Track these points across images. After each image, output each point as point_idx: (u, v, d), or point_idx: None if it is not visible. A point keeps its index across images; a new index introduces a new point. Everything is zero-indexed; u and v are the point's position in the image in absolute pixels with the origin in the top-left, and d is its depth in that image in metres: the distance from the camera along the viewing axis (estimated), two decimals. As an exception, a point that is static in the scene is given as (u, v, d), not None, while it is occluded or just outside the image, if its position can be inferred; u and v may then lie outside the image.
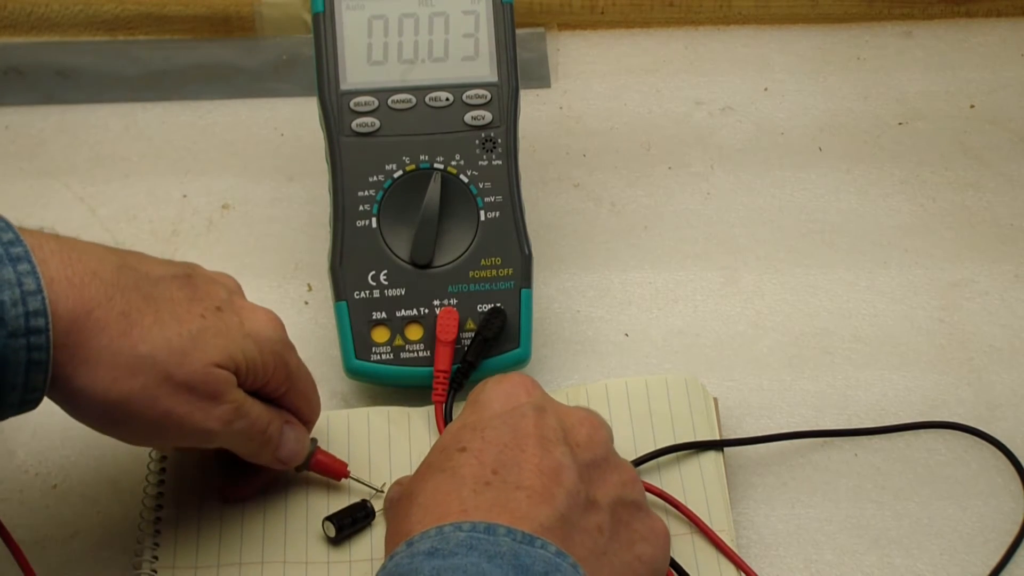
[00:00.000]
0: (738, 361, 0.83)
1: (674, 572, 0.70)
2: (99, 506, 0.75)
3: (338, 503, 0.73)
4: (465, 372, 0.78)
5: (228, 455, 0.70)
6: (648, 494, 0.71)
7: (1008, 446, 0.79)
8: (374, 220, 0.79)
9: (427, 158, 0.80)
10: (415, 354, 0.78)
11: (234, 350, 0.66)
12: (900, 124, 0.98)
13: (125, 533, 0.73)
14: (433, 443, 0.68)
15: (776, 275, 0.88)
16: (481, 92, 0.81)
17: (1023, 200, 0.93)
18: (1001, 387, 0.82)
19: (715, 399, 0.79)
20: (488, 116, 0.81)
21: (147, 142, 0.95)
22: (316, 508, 0.73)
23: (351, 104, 0.80)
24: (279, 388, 0.70)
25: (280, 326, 0.69)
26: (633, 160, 0.95)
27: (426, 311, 0.79)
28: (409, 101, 0.81)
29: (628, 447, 0.75)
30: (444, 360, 0.77)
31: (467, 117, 0.81)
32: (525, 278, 0.80)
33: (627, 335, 0.85)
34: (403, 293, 0.79)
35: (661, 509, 0.73)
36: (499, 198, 0.80)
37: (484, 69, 0.81)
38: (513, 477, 0.62)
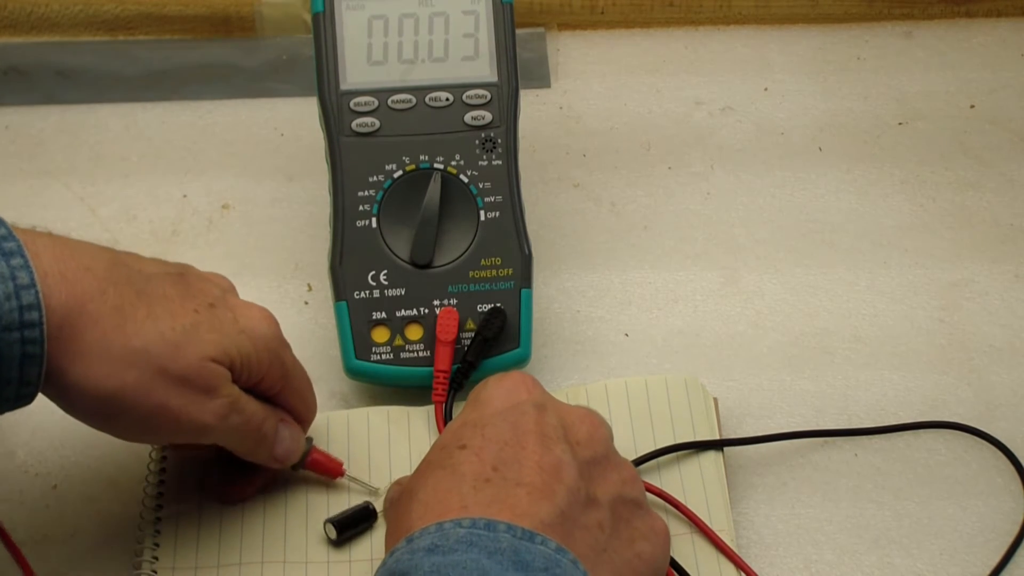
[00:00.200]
0: (738, 361, 0.83)
1: (674, 572, 0.70)
2: (99, 506, 0.75)
3: (338, 503, 0.73)
4: (465, 372, 0.78)
5: (226, 456, 0.70)
6: (648, 494, 0.71)
7: (1008, 446, 0.79)
8: (374, 220, 0.79)
9: (427, 158, 0.80)
10: (415, 354, 0.78)
11: (228, 345, 0.66)
12: (900, 124, 0.98)
13: (125, 533, 0.73)
14: (433, 443, 0.68)
15: (776, 275, 0.88)
16: (481, 92, 0.81)
17: (1023, 200, 0.93)
18: (1001, 387, 0.82)
19: (715, 399, 0.79)
20: (488, 116, 0.81)
21: (147, 142, 0.95)
22: (316, 508, 0.73)
23: (351, 104, 0.80)
24: (274, 385, 0.70)
25: (274, 323, 0.69)
26: (633, 160, 0.95)
27: (426, 311, 0.79)
28: (409, 101, 0.81)
29: (628, 447, 0.75)
30: (444, 360, 0.77)
31: (467, 117, 0.81)
32: (525, 278, 0.80)
33: (627, 335, 0.85)
34: (403, 293, 0.79)
35: (661, 509, 0.73)
36: (499, 198, 0.80)
37: (484, 69, 0.81)
38: (513, 474, 0.62)
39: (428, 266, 0.79)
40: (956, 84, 1.01)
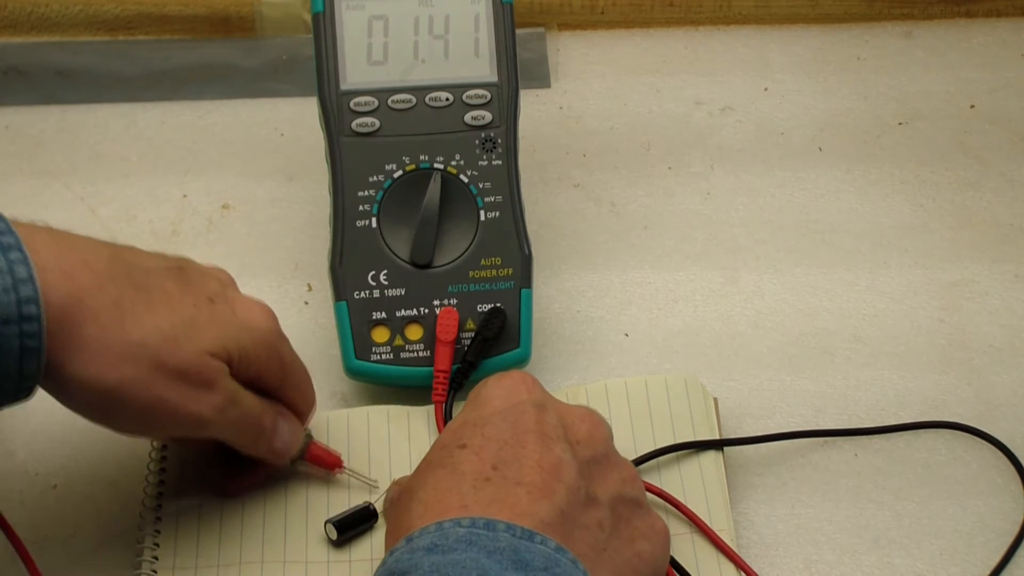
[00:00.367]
0: (738, 361, 0.83)
1: (674, 571, 0.70)
2: (99, 506, 0.75)
3: (338, 501, 0.73)
4: (465, 372, 0.78)
5: (227, 449, 0.70)
6: (648, 493, 0.71)
7: (1008, 446, 0.79)
8: (374, 220, 0.79)
9: (427, 158, 0.80)
10: (415, 354, 0.78)
11: (227, 339, 0.66)
12: (900, 124, 0.98)
13: (125, 533, 0.73)
14: (432, 442, 0.68)
15: (776, 275, 0.88)
16: (481, 92, 0.81)
17: (1023, 200, 0.93)
18: (1001, 387, 0.82)
19: (715, 399, 0.79)
20: (488, 116, 0.81)
21: (147, 142, 0.95)
22: (316, 507, 0.73)
23: (351, 104, 0.80)
24: (273, 380, 0.70)
25: (273, 317, 0.70)
26: (633, 160, 0.95)
27: (426, 311, 0.79)
28: (409, 101, 0.81)
29: (628, 447, 0.75)
30: (444, 360, 0.77)
31: (467, 117, 0.81)
32: (525, 278, 0.80)
33: (627, 335, 0.85)
34: (403, 293, 0.79)
35: (661, 508, 0.73)
36: (499, 198, 0.80)
37: (484, 69, 0.81)
38: (513, 473, 0.62)
39: (428, 266, 0.79)
40: (956, 84, 1.01)
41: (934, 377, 0.83)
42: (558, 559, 0.58)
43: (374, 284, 0.79)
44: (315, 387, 0.74)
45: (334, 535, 0.72)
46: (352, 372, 0.79)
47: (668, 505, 0.73)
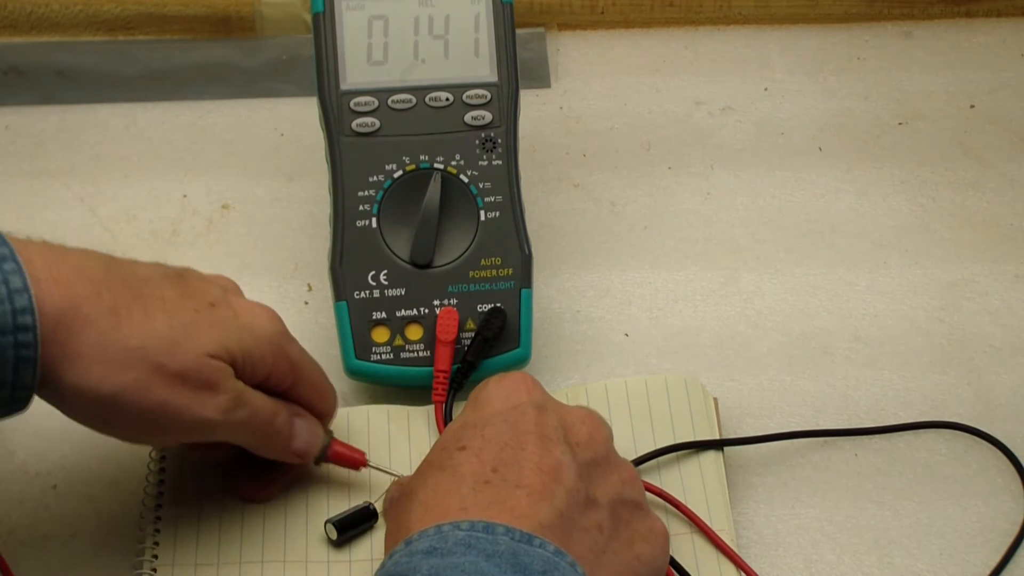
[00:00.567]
0: (738, 361, 0.83)
1: (674, 572, 0.70)
2: (99, 506, 0.75)
3: (338, 501, 0.73)
4: (465, 372, 0.78)
5: (251, 456, 0.70)
6: (648, 494, 0.71)
7: (1008, 446, 0.79)
8: (374, 220, 0.79)
9: (427, 158, 0.80)
10: (415, 354, 0.78)
11: (228, 341, 0.66)
12: (900, 124, 0.98)
13: (125, 533, 0.73)
14: (433, 442, 0.68)
15: (776, 275, 0.88)
16: (481, 92, 0.81)
17: (1023, 200, 0.93)
18: (1001, 387, 0.82)
19: (715, 399, 0.79)
20: (488, 116, 0.81)
21: (147, 142, 0.95)
22: (316, 507, 0.73)
23: (351, 104, 0.80)
24: (284, 380, 0.69)
25: (277, 319, 0.69)
26: (633, 160, 0.95)
27: (426, 311, 0.79)
28: (409, 101, 0.81)
29: (628, 447, 0.75)
30: (444, 360, 0.77)
31: (467, 117, 0.81)
32: (525, 278, 0.80)
33: (627, 335, 0.85)
34: (403, 293, 0.79)
35: (661, 509, 0.73)
36: (499, 198, 0.80)
37: (484, 69, 0.81)
38: (513, 475, 0.62)
39: (428, 266, 0.79)
40: (956, 84, 1.01)
41: (934, 377, 0.83)
42: (557, 562, 0.58)
43: (374, 284, 0.79)
44: (326, 387, 0.73)
45: (334, 535, 0.72)
46: (352, 372, 0.79)
47: (668, 505, 0.73)
